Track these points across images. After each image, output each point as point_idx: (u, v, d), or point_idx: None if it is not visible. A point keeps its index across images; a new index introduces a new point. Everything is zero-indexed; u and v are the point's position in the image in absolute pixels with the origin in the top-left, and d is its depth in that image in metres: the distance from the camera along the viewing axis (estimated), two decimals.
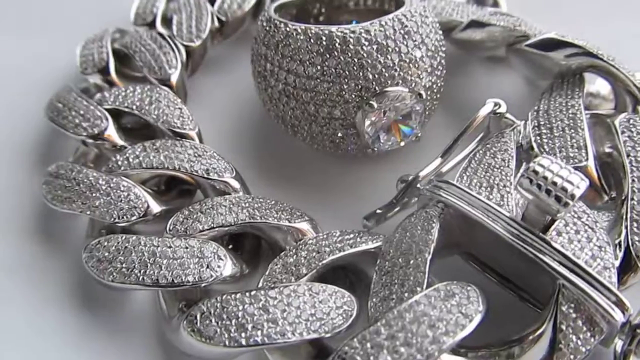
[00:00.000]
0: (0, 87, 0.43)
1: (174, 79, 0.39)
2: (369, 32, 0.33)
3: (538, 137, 0.33)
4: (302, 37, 0.33)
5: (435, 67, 0.35)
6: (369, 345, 0.25)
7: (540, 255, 0.27)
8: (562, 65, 0.35)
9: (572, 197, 0.27)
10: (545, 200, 0.27)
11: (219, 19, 0.43)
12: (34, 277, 0.34)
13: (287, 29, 0.34)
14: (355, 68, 0.33)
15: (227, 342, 0.27)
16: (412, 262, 0.28)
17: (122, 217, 0.32)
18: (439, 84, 0.36)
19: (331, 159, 0.38)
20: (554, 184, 0.27)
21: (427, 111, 0.36)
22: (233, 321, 0.27)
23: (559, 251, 0.27)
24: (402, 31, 0.34)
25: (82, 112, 0.36)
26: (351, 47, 0.33)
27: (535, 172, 0.27)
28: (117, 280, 0.30)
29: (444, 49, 0.37)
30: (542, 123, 0.33)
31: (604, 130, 0.33)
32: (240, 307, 0.28)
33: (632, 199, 0.29)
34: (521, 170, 0.31)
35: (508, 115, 0.35)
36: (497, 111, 0.35)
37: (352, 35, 0.33)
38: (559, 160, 0.28)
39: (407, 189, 0.33)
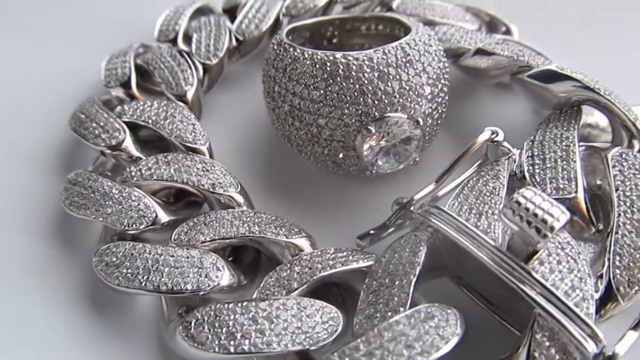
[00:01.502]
0: (32, 96, 0.46)
1: (189, 95, 0.41)
2: (371, 60, 0.35)
3: (531, 167, 0.34)
4: (308, 62, 0.35)
5: (436, 94, 0.36)
6: (347, 359, 0.27)
7: (520, 284, 0.28)
8: (561, 97, 0.36)
9: (552, 229, 0.28)
10: (526, 231, 0.28)
11: (237, 38, 0.45)
12: (51, 277, 0.36)
13: (295, 53, 0.36)
14: (356, 94, 0.34)
15: (216, 349, 0.29)
16: (397, 282, 0.30)
17: (132, 225, 0.34)
18: (439, 111, 0.37)
19: (334, 178, 0.40)
20: (535, 215, 0.28)
21: (427, 136, 0.37)
22: (224, 329, 0.29)
23: (538, 281, 0.28)
24: (404, 59, 0.35)
25: (102, 123, 0.39)
26: (353, 73, 0.34)
27: (518, 203, 0.28)
28: (122, 284, 0.32)
29: (447, 76, 0.38)
30: (535, 153, 0.34)
31: (598, 163, 0.34)
32: (232, 317, 0.29)
33: (617, 232, 0.30)
34: (504, 200, 0.32)
35: (505, 143, 0.36)
36: (495, 139, 0.36)
37: (355, 62, 0.34)
38: (542, 193, 0.29)
39: (400, 212, 0.34)
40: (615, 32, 0.48)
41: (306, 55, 0.35)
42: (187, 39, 0.45)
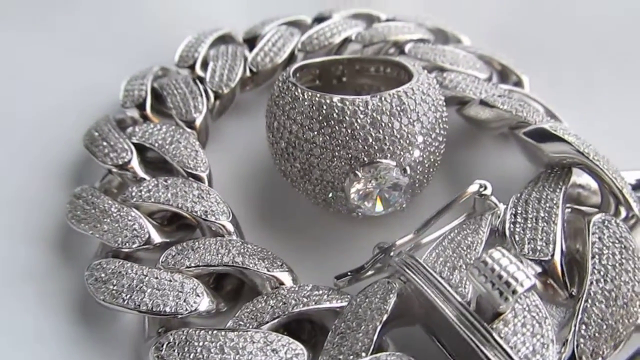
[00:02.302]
0: (54, 110, 0.48)
1: (197, 122, 0.43)
2: (367, 106, 0.36)
3: (512, 225, 0.34)
4: (306, 103, 0.37)
5: (429, 143, 0.37)
6: None
7: (480, 345, 0.29)
8: (552, 157, 0.36)
9: (514, 292, 0.28)
10: (490, 292, 0.29)
11: (251, 69, 0.47)
12: (48, 285, 0.38)
13: (296, 92, 0.37)
14: (347, 138, 0.35)
15: None
16: (363, 327, 0.31)
17: (125, 244, 0.36)
18: (432, 159, 0.38)
19: (326, 215, 0.41)
20: (499, 277, 0.28)
21: (418, 184, 0.38)
22: (192, 355, 0.30)
23: (498, 343, 0.29)
24: (399, 107, 0.36)
25: (112, 143, 0.41)
26: (347, 118, 0.36)
27: (485, 263, 0.29)
28: (107, 300, 0.34)
29: (444, 125, 0.38)
30: (519, 211, 0.35)
31: (582, 226, 0.34)
32: (201, 343, 0.31)
33: (587, 301, 0.30)
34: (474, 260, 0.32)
35: (492, 198, 0.36)
36: (483, 192, 0.36)
37: (350, 106, 0.36)
38: (511, 255, 0.29)
39: (379, 256, 0.35)
40: (631, 88, 0.48)
41: (305, 96, 0.37)
42: (205, 65, 0.47)
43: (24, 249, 0.40)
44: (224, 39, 0.49)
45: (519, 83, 0.47)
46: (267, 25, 0.49)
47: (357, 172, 0.35)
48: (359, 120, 0.35)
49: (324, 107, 0.36)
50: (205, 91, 0.45)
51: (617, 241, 0.32)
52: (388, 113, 0.36)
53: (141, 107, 0.44)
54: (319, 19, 0.50)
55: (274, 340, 0.31)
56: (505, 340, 0.29)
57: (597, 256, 0.32)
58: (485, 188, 0.36)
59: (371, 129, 0.35)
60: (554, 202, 0.34)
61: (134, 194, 0.38)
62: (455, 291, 0.31)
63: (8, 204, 0.42)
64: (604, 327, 0.30)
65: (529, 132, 0.37)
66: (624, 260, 0.31)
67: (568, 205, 0.35)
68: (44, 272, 0.39)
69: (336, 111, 0.36)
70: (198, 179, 0.40)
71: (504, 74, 0.48)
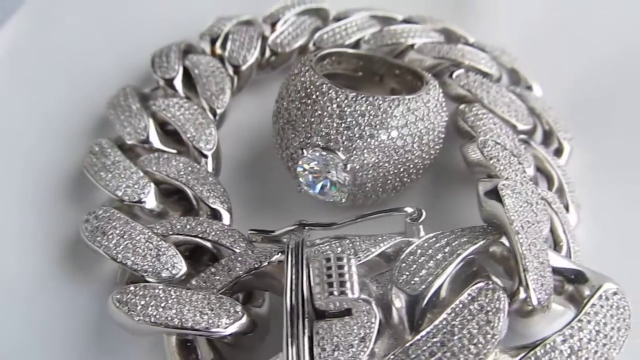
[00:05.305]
0: (54, 128, 0.50)
1: (219, 111, 0.47)
2: (346, 98, 0.39)
3: (407, 255, 0.34)
4: (298, 83, 0.41)
5: (389, 161, 0.39)
6: None
7: (289, 337, 0.32)
8: (486, 213, 0.36)
9: (331, 294, 0.32)
10: (315, 285, 0.32)
11: (271, 49, 0.51)
12: (58, 298, 0.40)
13: (300, 72, 0.41)
14: (313, 119, 0.39)
15: (129, 313, 0.34)
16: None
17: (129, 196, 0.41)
18: (394, 178, 0.40)
19: (319, 202, 0.42)
20: (329, 276, 0.32)
21: (371, 187, 0.40)
22: (143, 301, 0.34)
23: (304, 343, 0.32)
24: (372, 113, 0.38)
25: (122, 173, 0.43)
26: (323, 101, 0.39)
27: (327, 260, 0.32)
28: (96, 244, 0.38)
29: (425, 154, 0.41)
30: (422, 245, 0.35)
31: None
32: (153, 293, 0.35)
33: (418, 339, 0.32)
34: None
35: (420, 226, 0.38)
36: (414, 217, 0.38)
37: (332, 94, 0.39)
38: (354, 266, 0.32)
39: (292, 228, 0.38)
40: None
41: (301, 78, 0.41)
42: (225, 45, 0.50)
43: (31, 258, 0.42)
44: (248, 23, 0.52)
45: (529, 88, 0.49)
46: (289, 11, 0.52)
47: (305, 150, 0.39)
48: (329, 109, 0.39)
49: (312, 87, 0.40)
50: (231, 78, 0.48)
51: (482, 313, 0.32)
52: (359, 112, 0.38)
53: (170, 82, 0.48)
54: (337, 18, 0.52)
55: (212, 299, 0.34)
56: (316, 345, 0.31)
57: (453, 312, 0.32)
58: (420, 215, 0.38)
59: (338, 120, 0.38)
60: (457, 252, 0.34)
61: (147, 161, 0.43)
62: (314, 286, 0.32)
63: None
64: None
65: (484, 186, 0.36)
66: (474, 332, 0.31)
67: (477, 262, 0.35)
68: (56, 284, 0.41)
69: (318, 93, 0.39)
70: (204, 156, 0.45)
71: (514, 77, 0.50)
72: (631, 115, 0.48)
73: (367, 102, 0.39)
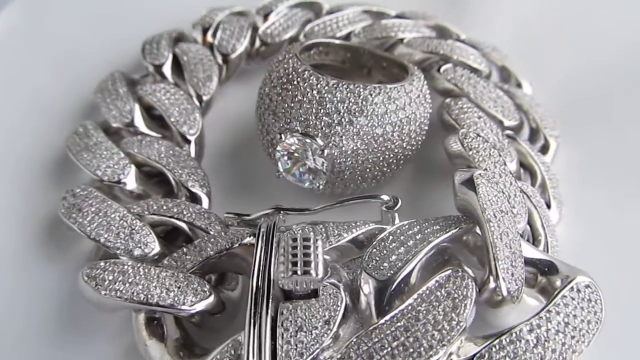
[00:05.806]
0: (41, 111, 0.50)
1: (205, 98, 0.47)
2: (327, 85, 0.39)
3: (378, 241, 0.34)
4: (281, 69, 0.41)
5: (370, 149, 0.39)
6: None
7: (253, 322, 0.32)
8: (459, 203, 0.36)
9: (294, 273, 0.32)
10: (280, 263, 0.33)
11: (261, 40, 0.51)
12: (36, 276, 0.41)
13: (284, 59, 0.41)
14: (293, 104, 0.39)
15: (97, 288, 0.34)
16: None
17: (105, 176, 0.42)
18: (374, 167, 0.40)
19: (300, 190, 0.43)
20: (294, 255, 0.32)
21: (349, 175, 0.40)
22: (111, 276, 0.34)
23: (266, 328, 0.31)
24: (352, 100, 0.38)
25: (104, 155, 0.43)
26: (303, 87, 0.39)
27: (294, 240, 0.33)
28: (71, 220, 0.38)
29: (406, 144, 0.41)
30: (394, 232, 0.35)
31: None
32: (122, 269, 0.35)
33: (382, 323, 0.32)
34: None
35: (395, 214, 0.38)
36: (389, 205, 0.38)
37: (314, 80, 0.39)
38: (320, 246, 0.33)
39: (267, 212, 0.38)
40: None
41: (284, 64, 0.41)
42: (216, 34, 0.51)
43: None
44: (241, 14, 0.52)
45: (518, 86, 0.48)
46: (282, 4, 0.52)
47: (282, 136, 0.39)
48: (309, 94, 0.39)
49: (294, 73, 0.40)
50: (219, 65, 0.49)
51: (449, 300, 0.32)
52: (339, 98, 0.38)
53: (159, 68, 0.48)
54: (330, 12, 0.52)
55: (180, 278, 0.35)
56: (280, 325, 0.31)
57: (420, 298, 0.32)
58: (396, 203, 0.38)
59: (317, 106, 0.38)
60: (428, 239, 0.34)
61: (129, 143, 0.44)
62: (278, 264, 0.32)
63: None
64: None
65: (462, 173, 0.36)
66: (439, 318, 0.31)
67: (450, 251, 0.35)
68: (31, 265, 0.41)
69: (299, 79, 0.39)
70: (187, 140, 0.45)
71: (504, 74, 0.50)
72: (620, 115, 0.47)
73: (348, 90, 0.39)
